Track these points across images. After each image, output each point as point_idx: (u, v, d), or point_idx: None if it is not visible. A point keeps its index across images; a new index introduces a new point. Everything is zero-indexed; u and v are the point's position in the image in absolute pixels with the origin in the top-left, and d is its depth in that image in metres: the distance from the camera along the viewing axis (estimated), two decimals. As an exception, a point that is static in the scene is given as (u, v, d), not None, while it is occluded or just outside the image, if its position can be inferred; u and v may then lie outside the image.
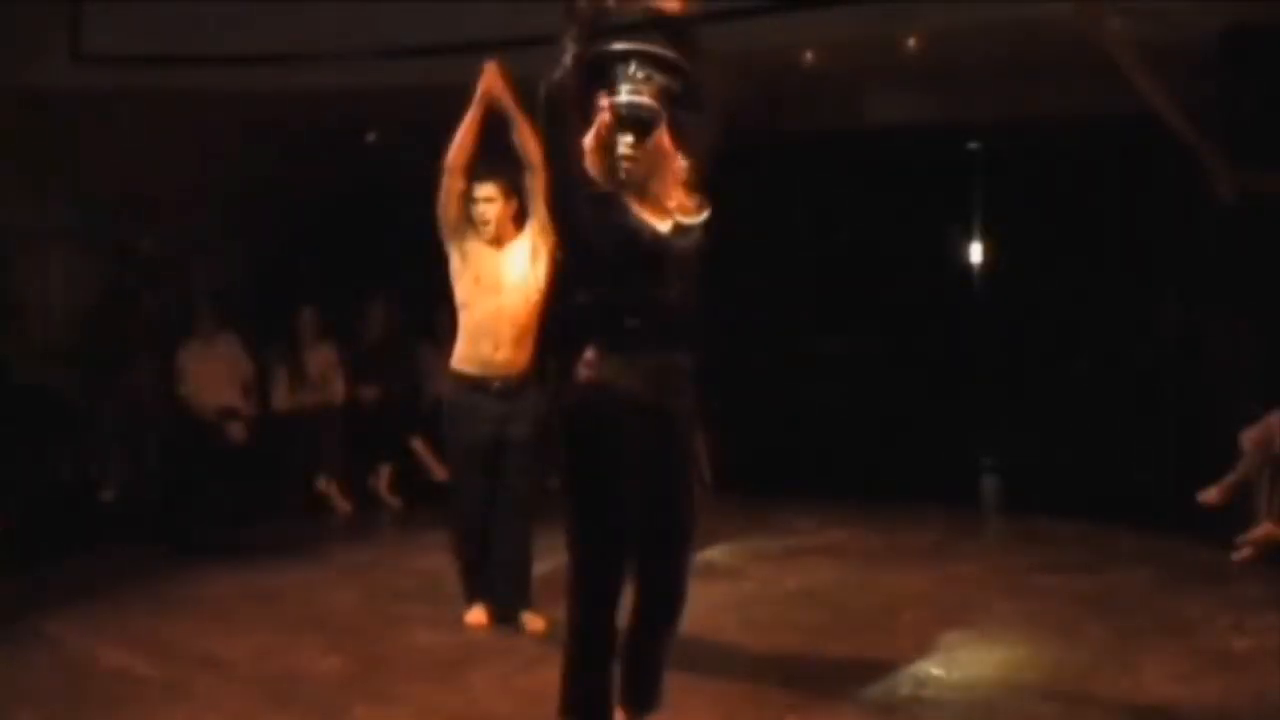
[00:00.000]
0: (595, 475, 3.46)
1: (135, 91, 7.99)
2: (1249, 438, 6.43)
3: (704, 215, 3.51)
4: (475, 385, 5.12)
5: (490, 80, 5.00)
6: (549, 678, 4.37)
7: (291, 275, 8.92)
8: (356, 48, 7.91)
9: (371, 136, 9.30)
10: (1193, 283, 8.18)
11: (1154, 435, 8.24)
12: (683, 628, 3.50)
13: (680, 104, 3.42)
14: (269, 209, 8.96)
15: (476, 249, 5.14)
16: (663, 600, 3.58)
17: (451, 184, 5.06)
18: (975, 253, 9.84)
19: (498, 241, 5.15)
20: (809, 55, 7.33)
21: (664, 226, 3.42)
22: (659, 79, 3.37)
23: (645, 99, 3.33)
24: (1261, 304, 7.35)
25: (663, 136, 3.38)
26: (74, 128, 8.11)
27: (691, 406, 3.60)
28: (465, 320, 5.16)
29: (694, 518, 3.62)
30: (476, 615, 5.21)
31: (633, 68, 3.37)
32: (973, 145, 9.55)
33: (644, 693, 3.65)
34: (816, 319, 9.59)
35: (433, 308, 8.61)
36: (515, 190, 5.14)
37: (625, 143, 3.33)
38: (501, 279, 5.11)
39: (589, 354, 3.41)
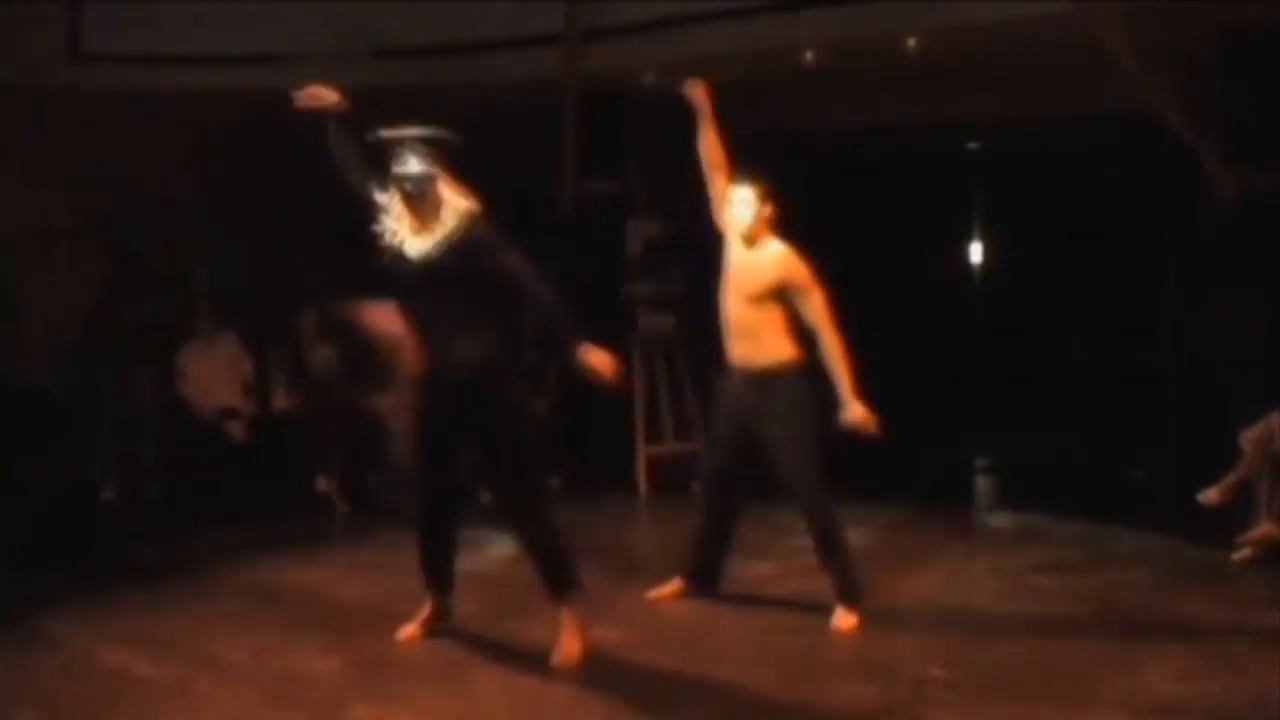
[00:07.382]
0: None
1: (135, 91, 7.99)
2: (1249, 438, 6.43)
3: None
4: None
5: (699, 94, 5.37)
6: (550, 678, 4.38)
7: (292, 275, 8.91)
8: (356, 48, 7.91)
9: (371, 136, 9.26)
10: (1192, 283, 8.18)
11: (1154, 435, 8.24)
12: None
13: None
14: (269, 209, 8.95)
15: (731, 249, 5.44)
16: None
17: (713, 184, 5.45)
18: (975, 252, 9.85)
19: (750, 242, 5.41)
20: (809, 55, 7.33)
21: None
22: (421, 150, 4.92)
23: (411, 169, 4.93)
24: (1261, 304, 7.35)
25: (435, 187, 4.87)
26: (74, 127, 8.10)
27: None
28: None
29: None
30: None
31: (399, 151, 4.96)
32: (973, 145, 9.55)
33: None
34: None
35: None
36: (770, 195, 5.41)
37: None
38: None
39: None
